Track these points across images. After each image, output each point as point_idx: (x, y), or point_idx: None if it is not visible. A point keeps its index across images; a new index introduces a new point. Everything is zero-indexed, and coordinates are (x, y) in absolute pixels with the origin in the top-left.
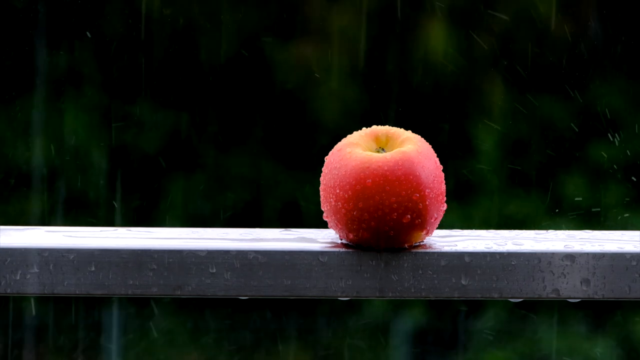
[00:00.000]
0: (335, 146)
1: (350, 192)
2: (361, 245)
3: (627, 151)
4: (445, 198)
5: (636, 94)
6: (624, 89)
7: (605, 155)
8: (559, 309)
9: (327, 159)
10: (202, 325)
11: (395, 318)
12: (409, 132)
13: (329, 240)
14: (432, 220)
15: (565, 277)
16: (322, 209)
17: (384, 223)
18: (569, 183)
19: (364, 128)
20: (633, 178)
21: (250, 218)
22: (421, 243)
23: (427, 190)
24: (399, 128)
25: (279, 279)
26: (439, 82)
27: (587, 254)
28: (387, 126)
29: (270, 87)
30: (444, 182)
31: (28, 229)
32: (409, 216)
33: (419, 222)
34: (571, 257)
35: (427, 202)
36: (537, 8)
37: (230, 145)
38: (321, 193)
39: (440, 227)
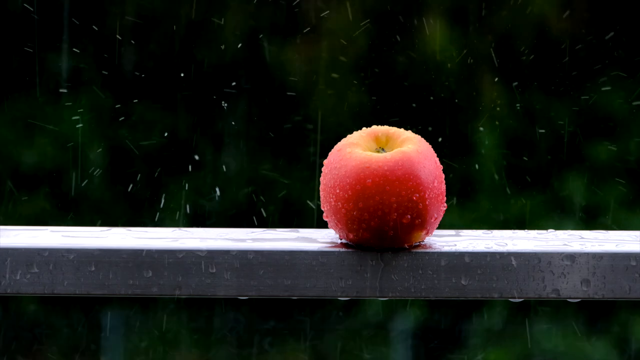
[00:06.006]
0: (335, 146)
1: (350, 192)
2: (361, 245)
3: (627, 151)
4: (445, 198)
5: (636, 94)
6: (624, 89)
7: (605, 155)
8: (559, 309)
9: (327, 159)
10: (202, 325)
11: (395, 318)
12: (409, 132)
13: (329, 240)
14: (432, 220)
15: (565, 277)
16: (322, 209)
17: (384, 223)
18: (569, 183)
19: (364, 128)
20: (633, 178)
21: (250, 218)
22: (421, 243)
23: (427, 191)
24: (398, 128)
25: (279, 279)
26: (439, 81)
27: (587, 254)
28: (387, 126)
29: (270, 87)
30: (444, 182)
31: (28, 229)
32: (409, 216)
33: (419, 222)
34: (571, 257)
35: (427, 202)
36: (537, 8)
37: (230, 145)
38: (321, 193)
39: (440, 227)
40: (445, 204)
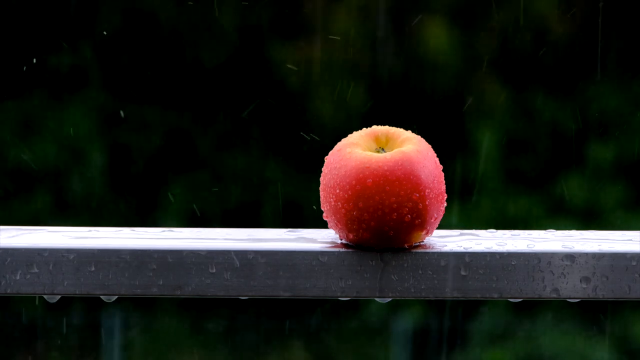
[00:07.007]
0: (335, 146)
1: (350, 192)
2: (361, 245)
3: (627, 151)
4: (445, 197)
5: (635, 94)
6: (624, 89)
7: (605, 155)
8: (559, 309)
9: (327, 159)
10: (202, 325)
11: (395, 318)
12: (409, 132)
13: (329, 240)
14: (432, 220)
15: (565, 277)
16: (322, 209)
17: (383, 223)
18: (568, 183)
19: (364, 128)
20: (633, 178)
21: (250, 218)
22: (421, 243)
23: (427, 190)
24: (398, 128)
25: (279, 279)
26: (439, 81)
27: (587, 254)
28: (387, 126)
29: (270, 87)
30: (444, 182)
31: (28, 229)
32: (409, 216)
33: (419, 222)
34: (571, 257)
35: (427, 202)
36: (537, 8)
37: (230, 145)
38: (321, 193)
39: (441, 227)
40: (446, 204)
